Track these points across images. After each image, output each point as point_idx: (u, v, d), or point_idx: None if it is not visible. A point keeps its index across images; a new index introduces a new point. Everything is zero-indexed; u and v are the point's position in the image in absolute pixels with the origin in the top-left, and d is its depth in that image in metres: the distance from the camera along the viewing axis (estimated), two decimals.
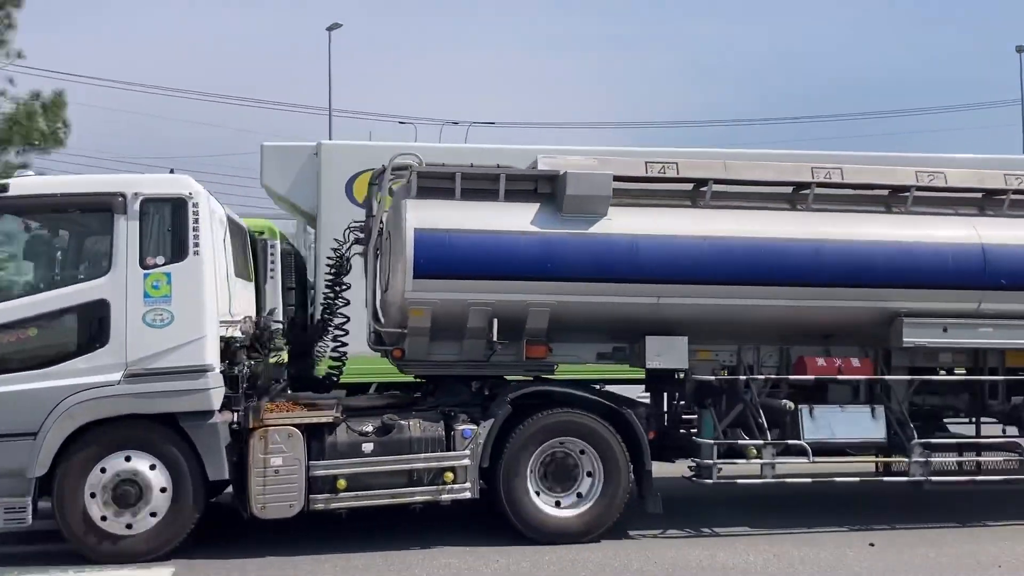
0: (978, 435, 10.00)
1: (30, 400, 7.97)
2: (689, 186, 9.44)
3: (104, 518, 8.06)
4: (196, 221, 8.26)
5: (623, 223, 8.91)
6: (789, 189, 9.54)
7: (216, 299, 8.34)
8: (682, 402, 9.68)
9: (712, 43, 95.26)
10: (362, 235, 9.24)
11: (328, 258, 9.23)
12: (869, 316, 9.26)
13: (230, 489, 8.67)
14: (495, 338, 8.71)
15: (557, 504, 8.82)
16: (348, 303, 9.43)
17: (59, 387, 8.01)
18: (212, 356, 8.23)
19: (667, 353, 9.03)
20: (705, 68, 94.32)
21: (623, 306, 8.91)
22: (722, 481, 9.06)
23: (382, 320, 8.98)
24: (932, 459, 9.29)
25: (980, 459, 9.55)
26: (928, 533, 9.23)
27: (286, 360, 10.16)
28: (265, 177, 10.85)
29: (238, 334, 8.78)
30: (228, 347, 8.58)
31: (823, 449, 9.35)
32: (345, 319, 9.45)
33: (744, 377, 9.27)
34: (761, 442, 9.08)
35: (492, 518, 8.96)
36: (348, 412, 8.83)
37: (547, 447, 8.79)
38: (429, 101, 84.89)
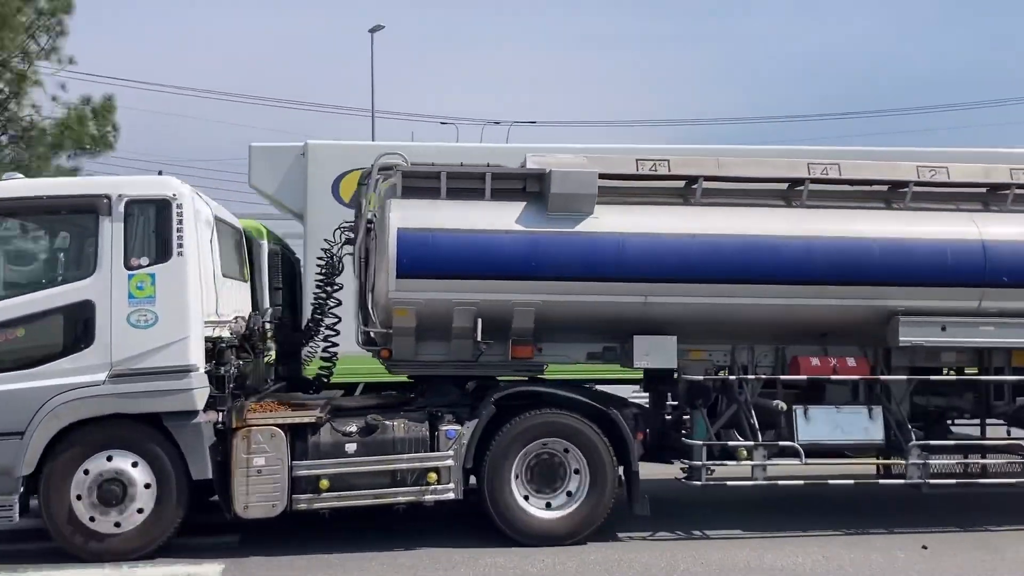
0: (983, 437, 9.72)
1: (17, 400, 8.06)
2: (683, 184, 9.29)
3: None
4: (180, 222, 8.30)
5: (610, 221, 8.82)
6: (785, 186, 9.38)
7: (201, 299, 8.37)
8: (675, 403, 9.53)
9: (759, 39, 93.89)
10: (353, 235, 9.24)
11: (319, 258, 9.23)
12: (865, 315, 9.07)
13: None
14: (479, 338, 8.66)
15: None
16: (340, 303, 9.42)
17: (45, 387, 8.09)
18: (196, 356, 8.27)
19: (655, 353, 8.92)
20: (751, 64, 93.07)
21: (610, 305, 8.81)
22: (711, 483, 8.92)
23: (372, 320, 8.95)
24: (930, 461, 9.08)
25: (981, 461, 9.31)
26: (984, 536, 9.06)
27: (274, 360, 10.18)
28: (253, 178, 10.91)
29: (226, 334, 8.82)
30: (215, 347, 8.61)
31: (819, 451, 9.19)
32: (337, 319, 9.45)
33: (733, 377, 9.14)
34: (751, 443, 8.94)
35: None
36: (337, 412, 8.84)
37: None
38: (471, 101, 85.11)
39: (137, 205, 8.30)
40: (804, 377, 9.10)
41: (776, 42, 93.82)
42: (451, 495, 8.56)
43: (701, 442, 8.94)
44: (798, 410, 9.08)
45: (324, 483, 8.40)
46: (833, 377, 9.13)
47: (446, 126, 55.39)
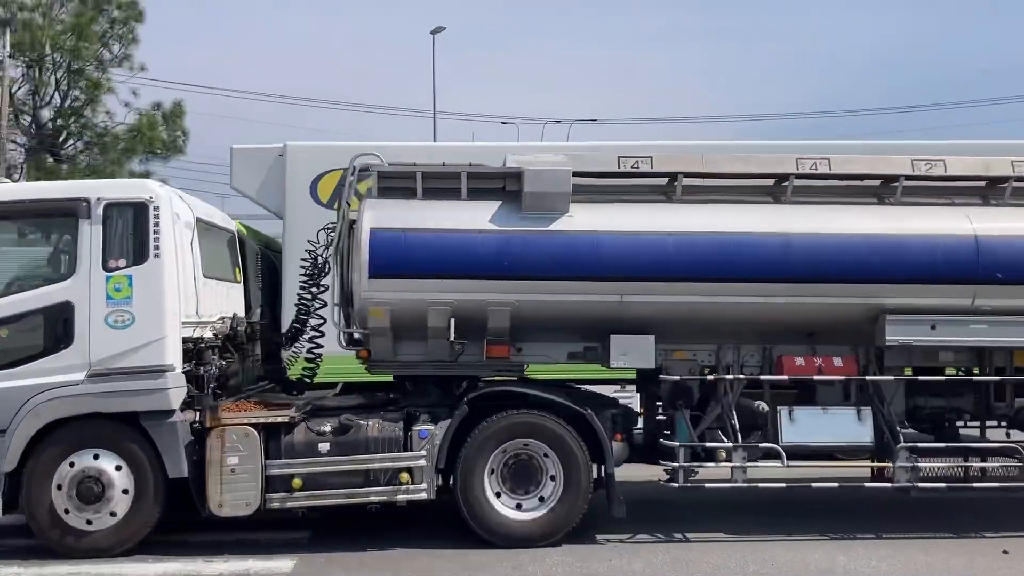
0: (983, 439, 9.39)
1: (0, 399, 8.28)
2: (666, 182, 9.16)
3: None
4: (157, 224, 8.44)
5: (585, 220, 8.73)
6: (772, 182, 9.18)
7: (179, 300, 8.50)
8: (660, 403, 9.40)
9: (823, 32, 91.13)
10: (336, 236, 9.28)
11: (302, 260, 9.30)
12: (852, 313, 8.84)
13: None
14: (452, 338, 8.64)
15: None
16: (325, 305, 9.47)
17: (27, 386, 8.31)
18: (173, 356, 8.40)
19: (632, 352, 8.80)
20: (815, 58, 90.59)
21: (586, 305, 8.72)
22: (688, 485, 8.77)
23: (351, 321, 9.00)
24: (920, 464, 8.80)
25: (975, 464, 8.95)
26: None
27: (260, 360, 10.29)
28: (235, 180, 11.03)
29: (208, 335, 8.93)
30: (196, 348, 8.73)
31: (806, 453, 8.99)
32: (322, 320, 9.50)
33: (712, 377, 8.96)
34: (730, 444, 8.76)
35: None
36: (317, 412, 8.90)
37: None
38: (532, 100, 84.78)
39: (115, 208, 8.47)
40: (786, 377, 8.88)
41: (840, 35, 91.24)
42: (423, 495, 8.56)
43: (678, 443, 8.80)
44: (782, 411, 8.89)
45: (297, 482, 8.47)
46: (816, 377, 8.89)
47: (507, 125, 55.43)
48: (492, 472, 8.66)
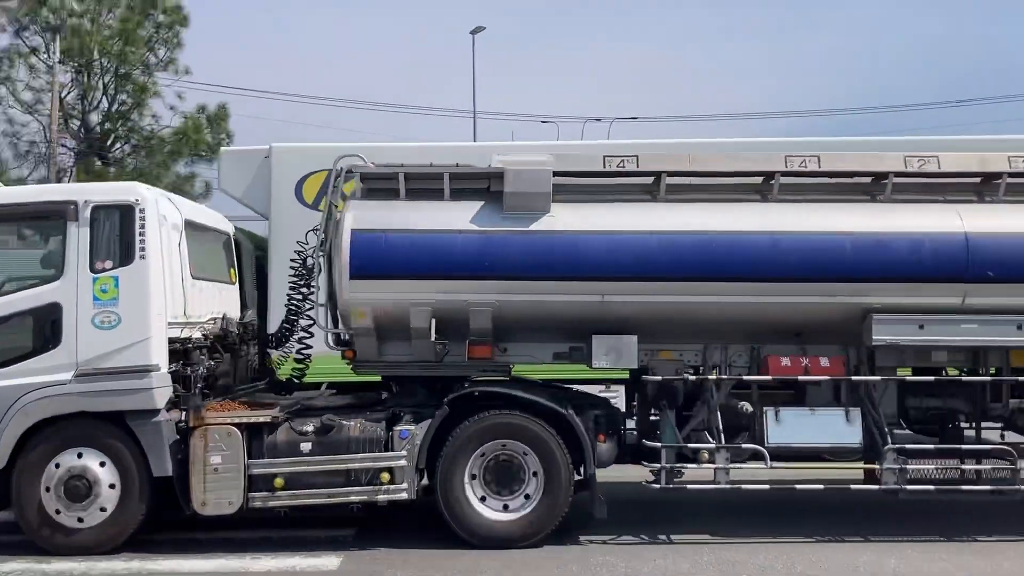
0: (979, 440, 9.19)
1: None
2: (651, 181, 9.10)
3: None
4: (143, 226, 8.57)
5: (567, 219, 8.71)
6: (759, 180, 9.08)
7: (165, 301, 8.62)
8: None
9: (871, 26, 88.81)
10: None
11: (291, 261, 9.38)
12: (839, 313, 8.71)
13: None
14: (434, 338, 8.66)
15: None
16: (314, 307, 9.53)
17: (16, 385, 8.48)
18: (158, 356, 8.52)
19: (615, 353, 8.75)
20: (862, 52, 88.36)
21: (567, 305, 8.69)
22: (670, 487, 8.70)
23: (337, 322, 9.05)
24: (908, 466, 8.63)
25: (964, 467, 8.76)
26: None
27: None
28: (223, 182, 11.14)
29: (197, 335, 9.04)
30: (183, 348, 8.84)
31: (793, 454, 8.89)
32: (311, 321, 9.56)
33: (692, 377, 8.88)
34: (713, 446, 8.68)
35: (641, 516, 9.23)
36: (303, 412, 8.97)
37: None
38: (572, 99, 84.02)
39: (102, 210, 8.61)
40: (769, 377, 8.78)
41: (891, 27, 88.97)
42: (404, 495, 8.58)
43: (659, 444, 8.74)
44: (768, 412, 8.79)
45: (279, 481, 8.54)
46: (800, 378, 8.77)
47: (547, 124, 55.35)
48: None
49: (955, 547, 8.58)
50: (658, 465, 8.72)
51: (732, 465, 8.69)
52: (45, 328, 8.57)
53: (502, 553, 8.42)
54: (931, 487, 8.66)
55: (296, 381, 9.77)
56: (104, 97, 35.01)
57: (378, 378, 9.67)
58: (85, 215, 8.57)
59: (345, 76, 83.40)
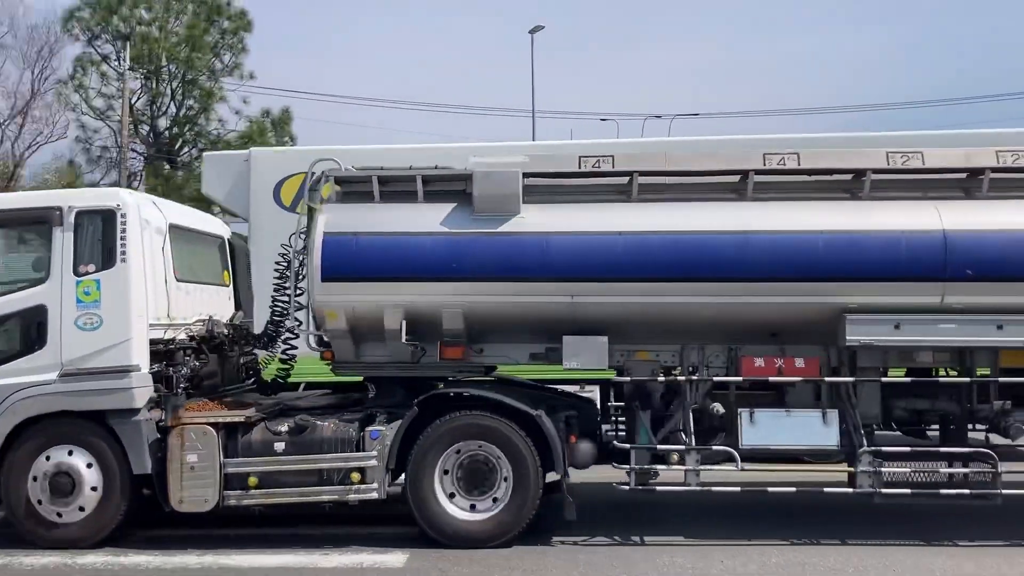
0: (960, 443, 8.96)
1: None
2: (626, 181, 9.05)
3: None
4: (124, 231, 8.80)
5: (536, 220, 8.71)
6: (737, 179, 8.97)
7: (146, 303, 8.85)
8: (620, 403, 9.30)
9: (939, 16, 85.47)
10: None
11: (276, 263, 9.53)
12: (812, 313, 8.56)
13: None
14: (404, 339, 8.73)
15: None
16: (300, 307, 9.67)
17: (4, 385, 8.80)
18: (139, 357, 8.74)
19: (585, 353, 8.72)
20: (925, 46, 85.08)
21: (537, 306, 8.70)
22: (639, 488, 8.66)
23: (315, 324, 9.18)
24: (883, 469, 8.46)
25: (943, 470, 8.55)
26: None
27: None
28: (205, 186, 11.34)
29: (182, 336, 9.25)
30: (166, 349, 9.06)
31: (770, 456, 8.77)
32: (298, 323, 9.70)
33: (662, 378, 8.81)
34: (682, 447, 8.61)
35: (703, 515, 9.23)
36: (287, 412, 9.12)
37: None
38: (632, 96, 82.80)
39: (86, 216, 8.87)
40: (741, 378, 8.68)
41: (959, 18, 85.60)
42: (374, 495, 8.67)
43: (628, 446, 8.71)
44: (743, 413, 8.67)
45: (253, 480, 8.70)
46: (772, 379, 8.65)
47: (606, 122, 55.08)
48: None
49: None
50: (627, 467, 8.67)
51: (702, 467, 8.62)
52: (32, 330, 8.85)
53: (567, 550, 8.50)
54: (907, 491, 8.44)
55: (281, 381, 9.91)
56: (172, 102, 35.94)
57: (357, 379, 9.77)
58: (70, 220, 8.84)
59: (404, 78, 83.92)
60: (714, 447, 8.65)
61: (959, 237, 8.41)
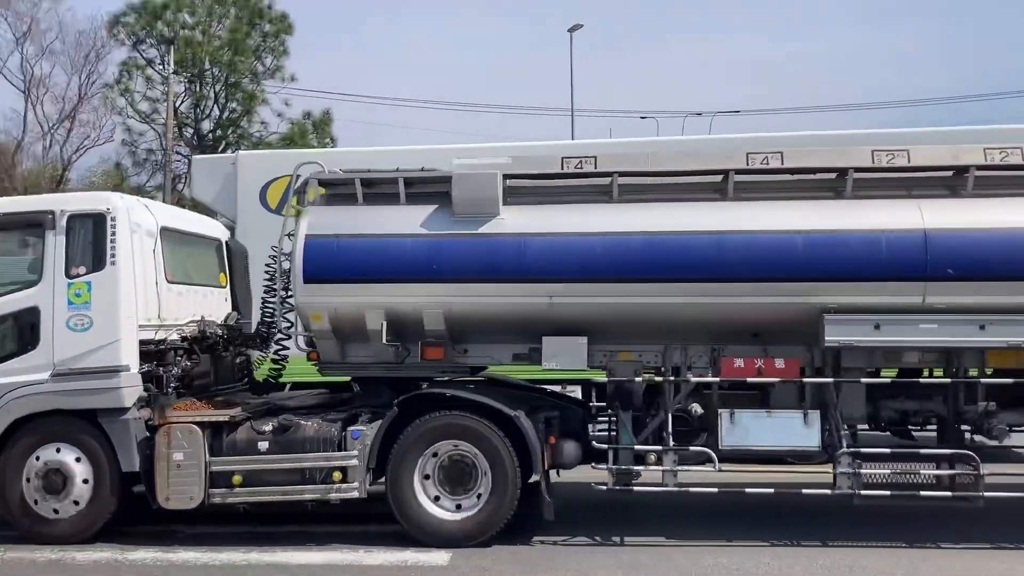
0: (942, 445, 8.84)
1: None
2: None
3: (36, 502, 8.98)
4: (114, 234, 8.99)
5: (515, 222, 8.75)
6: (720, 179, 8.92)
7: (135, 305, 9.02)
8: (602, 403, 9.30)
9: (976, 16, 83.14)
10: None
11: (266, 265, 9.67)
12: (793, 313, 8.50)
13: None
14: (385, 340, 8.82)
15: (458, 507, 8.75)
16: (291, 309, 9.79)
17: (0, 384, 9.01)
18: (128, 357, 8.93)
19: (564, 354, 8.75)
20: (965, 42, 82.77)
21: (518, 307, 8.74)
22: (617, 488, 8.66)
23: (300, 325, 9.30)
24: (863, 471, 8.38)
25: (924, 472, 8.43)
26: None
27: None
28: (194, 189, 11.49)
29: (173, 336, 9.41)
30: (157, 349, 9.23)
31: (751, 457, 8.74)
32: (289, 324, 9.83)
33: (639, 379, 8.79)
34: (659, 448, 8.60)
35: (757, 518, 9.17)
36: (275, 411, 9.24)
37: (440, 449, 8.75)
38: (673, 93, 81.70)
39: (77, 219, 9.07)
40: (718, 379, 8.66)
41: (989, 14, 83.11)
42: (355, 493, 8.76)
43: (606, 446, 8.72)
44: (724, 414, 8.64)
45: (237, 479, 8.84)
46: (750, 379, 8.60)
47: (646, 120, 54.71)
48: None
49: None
50: (604, 466, 8.68)
51: (680, 467, 8.60)
52: (26, 330, 9.08)
53: (613, 551, 8.52)
54: (886, 493, 8.35)
55: (272, 382, 10.04)
56: (215, 105, 36.48)
57: (344, 379, 9.87)
58: (62, 224, 9.05)
59: (445, 79, 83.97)
60: (692, 448, 8.62)
61: (941, 236, 8.30)
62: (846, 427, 8.68)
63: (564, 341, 8.75)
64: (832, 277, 8.39)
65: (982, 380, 8.61)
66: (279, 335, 9.81)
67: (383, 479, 8.93)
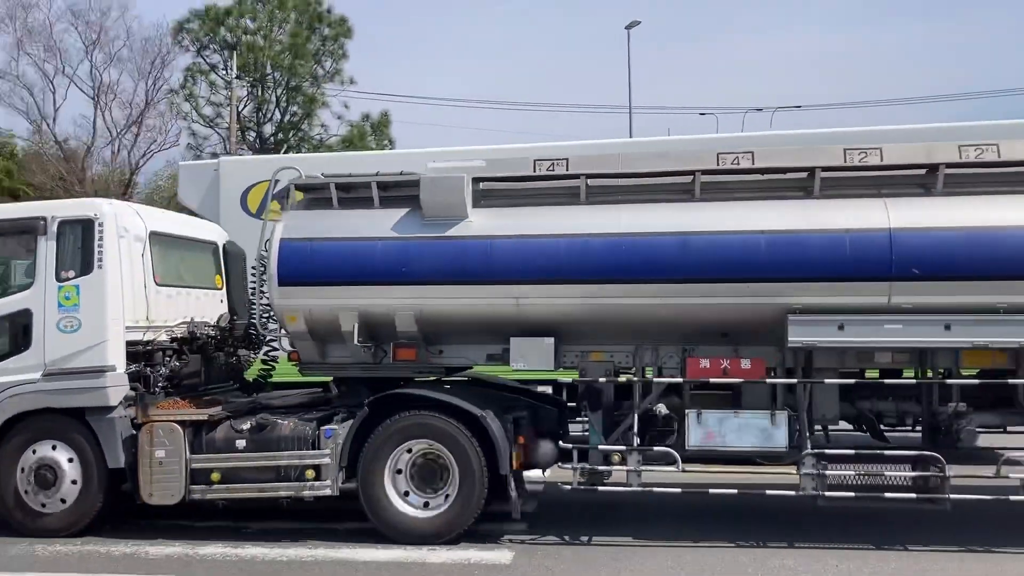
0: (915, 447, 8.71)
1: None
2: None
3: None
4: (101, 239, 9.31)
5: (483, 225, 8.85)
6: (688, 180, 8.91)
7: (122, 307, 9.33)
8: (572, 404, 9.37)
9: None
10: None
11: (253, 268, 9.90)
12: (758, 313, 8.46)
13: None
14: (356, 341, 8.99)
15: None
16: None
17: None
18: (114, 358, 9.24)
19: (531, 355, 8.83)
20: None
21: (486, 308, 8.83)
22: (581, 488, 8.72)
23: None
24: (827, 472, 8.31)
25: (889, 473, 8.33)
26: None
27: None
28: (180, 194, 11.74)
29: (163, 338, 9.71)
30: (145, 350, 9.53)
31: (718, 457, 8.72)
32: (276, 325, 10.04)
33: (603, 379, 8.82)
34: (623, 448, 8.63)
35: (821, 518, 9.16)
36: (257, 410, 9.47)
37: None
38: (733, 89, 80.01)
39: (67, 225, 9.41)
40: (681, 380, 8.65)
41: None
42: (328, 491, 8.95)
43: (571, 446, 8.77)
44: (691, 414, 8.65)
45: (215, 476, 9.09)
46: (713, 379, 8.57)
47: (705, 116, 54.01)
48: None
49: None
50: (570, 466, 8.75)
51: (644, 467, 8.62)
52: (19, 332, 9.44)
53: (672, 552, 8.47)
54: (851, 494, 8.27)
55: (263, 381, 10.27)
56: (277, 109, 37.12)
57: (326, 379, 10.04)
58: (53, 229, 9.39)
59: (502, 79, 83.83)
60: (656, 448, 8.63)
61: (906, 235, 8.20)
62: (819, 428, 8.62)
63: (531, 342, 8.82)
64: (796, 277, 8.33)
65: (947, 381, 8.48)
66: (268, 336, 10.03)
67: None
